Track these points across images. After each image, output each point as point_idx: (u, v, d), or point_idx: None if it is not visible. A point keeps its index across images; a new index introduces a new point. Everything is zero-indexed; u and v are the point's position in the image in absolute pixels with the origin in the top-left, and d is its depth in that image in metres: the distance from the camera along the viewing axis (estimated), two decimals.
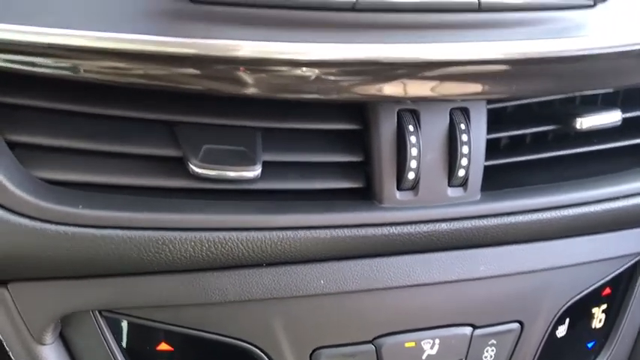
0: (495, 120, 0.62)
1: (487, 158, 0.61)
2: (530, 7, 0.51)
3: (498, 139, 0.64)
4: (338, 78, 0.50)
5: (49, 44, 0.46)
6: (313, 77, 0.50)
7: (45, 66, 0.47)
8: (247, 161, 0.55)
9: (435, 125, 0.57)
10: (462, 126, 0.58)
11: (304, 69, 0.49)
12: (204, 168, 0.54)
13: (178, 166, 0.55)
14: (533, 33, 0.52)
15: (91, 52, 0.46)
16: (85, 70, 0.48)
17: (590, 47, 0.53)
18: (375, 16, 0.48)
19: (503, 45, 0.51)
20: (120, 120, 0.54)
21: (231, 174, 0.54)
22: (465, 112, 0.58)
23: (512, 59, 0.52)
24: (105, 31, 0.45)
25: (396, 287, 0.61)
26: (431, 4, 0.49)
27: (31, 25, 0.45)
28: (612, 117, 0.64)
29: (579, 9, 0.53)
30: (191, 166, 0.54)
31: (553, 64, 0.53)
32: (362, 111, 0.58)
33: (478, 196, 0.60)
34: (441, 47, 0.50)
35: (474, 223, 0.61)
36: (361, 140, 0.59)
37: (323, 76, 0.50)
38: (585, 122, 0.63)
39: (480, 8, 0.50)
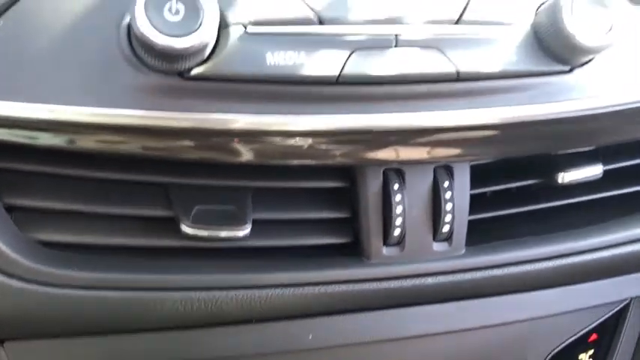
0: (479, 173, 0.64)
1: (471, 212, 0.62)
2: (508, 75, 0.53)
3: (483, 192, 0.66)
4: (326, 146, 0.53)
5: (49, 120, 0.48)
6: (304, 146, 0.52)
7: (44, 139, 0.50)
8: (237, 221, 0.57)
9: (420, 183, 0.59)
10: (446, 184, 0.59)
11: (296, 139, 0.51)
12: (195, 228, 0.56)
13: (171, 226, 0.57)
14: (511, 100, 0.54)
15: (90, 127, 0.48)
16: (84, 143, 0.50)
17: (566, 111, 0.55)
18: (358, 89, 0.51)
19: (481, 112, 0.53)
20: (113, 182, 0.56)
21: (222, 234, 0.56)
22: (449, 170, 0.60)
23: (490, 125, 0.54)
24: (100, 106, 0.47)
25: (384, 341, 0.62)
26: (411, 76, 0.51)
27: (29, 102, 0.47)
28: (593, 170, 0.66)
29: (556, 75, 0.55)
30: (183, 227, 0.56)
31: (530, 128, 0.55)
32: (349, 169, 0.60)
33: (463, 251, 0.62)
34: (422, 115, 0.52)
35: (459, 277, 0.62)
36: (348, 197, 0.61)
37: (312, 145, 0.52)
38: (567, 177, 0.65)
39: (458, 78, 0.52)
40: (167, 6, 0.45)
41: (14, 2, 0.47)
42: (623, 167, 0.69)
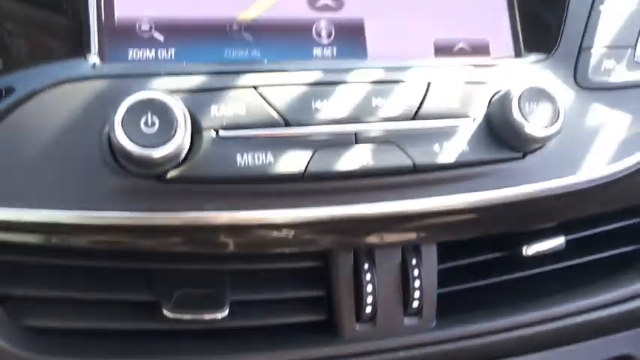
0: (447, 247, 0.67)
1: (440, 285, 0.66)
2: (463, 165, 0.57)
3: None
4: (297, 236, 0.57)
5: (36, 223, 0.52)
6: (276, 237, 0.56)
7: (33, 239, 0.54)
8: (216, 303, 0.60)
9: (389, 262, 0.63)
10: (414, 261, 0.63)
11: (268, 232, 0.56)
12: (177, 312, 0.59)
13: (154, 309, 0.60)
14: (466, 187, 0.57)
15: (74, 228, 0.52)
16: (70, 242, 0.54)
17: (520, 195, 0.59)
18: (322, 184, 0.54)
19: (438, 200, 0.57)
20: (98, 269, 0.60)
21: (202, 317, 0.59)
22: (416, 249, 0.63)
23: (448, 211, 0.58)
24: (83, 209, 0.51)
25: None
26: (370, 170, 0.55)
27: (17, 207, 0.51)
28: (556, 242, 0.69)
29: (510, 161, 0.59)
30: (165, 311, 0.59)
31: (487, 212, 0.59)
32: (322, 251, 0.63)
33: (433, 323, 0.65)
34: (383, 205, 0.56)
35: (431, 350, 0.65)
36: (322, 275, 0.64)
37: (284, 236, 0.56)
38: (531, 249, 0.68)
39: (415, 170, 0.56)
40: (143, 119, 0.49)
41: (5, 116, 0.52)
42: (585, 236, 0.73)
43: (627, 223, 0.74)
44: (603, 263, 0.73)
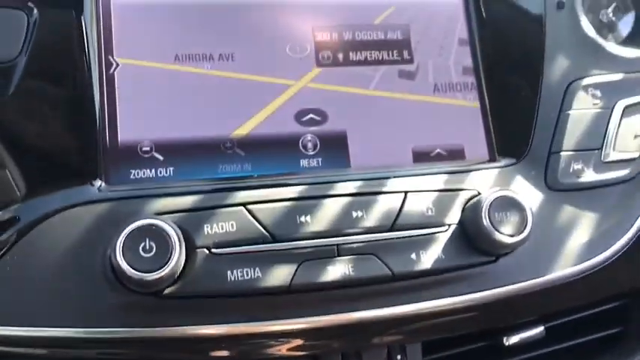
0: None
1: None
2: (439, 272, 0.61)
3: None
4: (285, 345, 0.61)
5: (44, 338, 0.56)
6: (266, 347, 0.61)
7: (41, 353, 0.58)
8: None
9: None
10: (398, 358, 0.67)
11: (258, 342, 0.60)
12: None
13: None
14: (444, 292, 0.61)
15: (82, 343, 0.57)
16: (76, 355, 0.58)
17: (493, 296, 0.63)
18: (307, 295, 0.59)
19: (417, 306, 0.61)
20: None
21: None
22: (402, 346, 0.67)
23: (426, 315, 0.62)
24: (90, 326, 0.56)
25: None
26: (351, 280, 0.59)
27: (28, 326, 0.56)
28: (536, 331, 0.73)
29: (483, 265, 0.63)
30: None
31: (463, 313, 0.63)
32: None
33: None
34: (364, 314, 0.60)
35: None
36: None
37: (273, 345, 0.61)
38: (512, 339, 0.72)
39: (394, 278, 0.60)
40: (141, 245, 0.54)
41: (16, 242, 0.57)
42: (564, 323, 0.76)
43: (607, 307, 0.77)
44: (590, 343, 0.76)
